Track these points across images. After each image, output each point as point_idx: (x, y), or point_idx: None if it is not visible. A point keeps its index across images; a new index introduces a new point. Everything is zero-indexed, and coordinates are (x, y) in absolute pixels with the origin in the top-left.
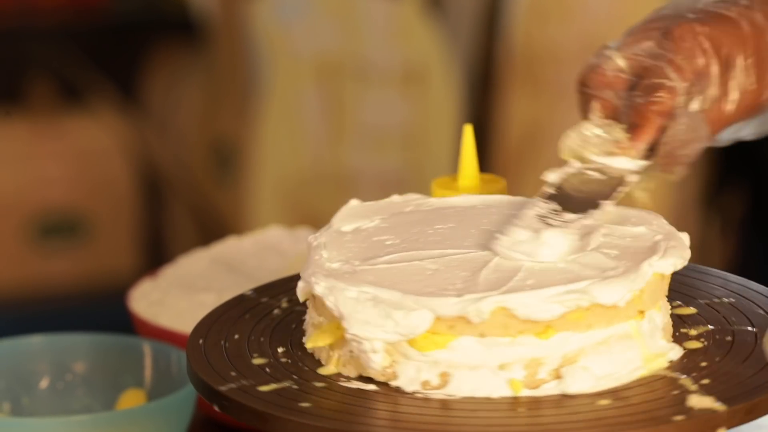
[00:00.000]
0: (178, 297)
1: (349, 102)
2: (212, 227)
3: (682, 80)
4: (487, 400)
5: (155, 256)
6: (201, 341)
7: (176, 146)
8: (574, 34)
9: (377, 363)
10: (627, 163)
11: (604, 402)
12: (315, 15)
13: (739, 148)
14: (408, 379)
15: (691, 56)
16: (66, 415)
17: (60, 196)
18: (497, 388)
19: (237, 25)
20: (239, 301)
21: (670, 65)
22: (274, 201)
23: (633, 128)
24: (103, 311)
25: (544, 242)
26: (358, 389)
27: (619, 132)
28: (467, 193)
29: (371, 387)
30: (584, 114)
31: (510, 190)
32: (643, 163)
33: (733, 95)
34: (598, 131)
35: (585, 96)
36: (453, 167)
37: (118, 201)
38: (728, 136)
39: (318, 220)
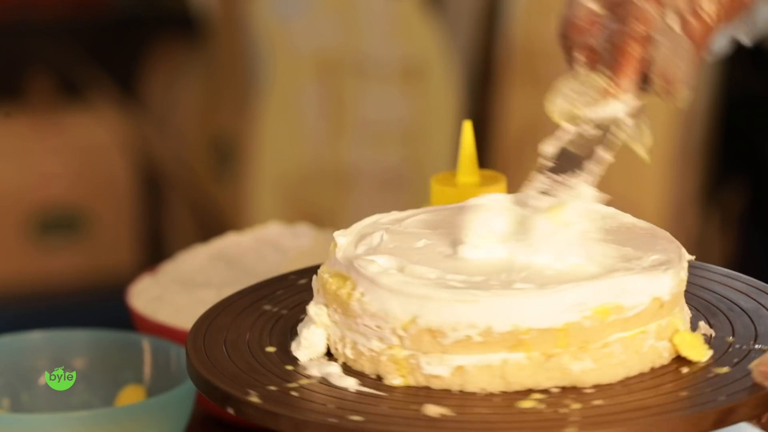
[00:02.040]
0: (177, 293)
1: (349, 98)
2: (212, 223)
3: (652, 3)
4: None
5: (155, 252)
6: (200, 337)
7: (176, 142)
8: None
9: None
10: (618, 105)
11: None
12: (314, 11)
13: (738, 144)
14: None
15: None
16: (65, 411)
17: (59, 192)
18: None
19: (237, 21)
20: (239, 296)
21: None
22: (274, 197)
23: (613, 67)
24: (103, 307)
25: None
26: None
27: (599, 79)
28: (467, 189)
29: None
30: (571, 67)
31: (510, 186)
32: (635, 101)
33: (706, 3)
34: (578, 85)
35: (567, 48)
36: (452, 163)
37: (117, 197)
38: (724, 43)
39: (317, 216)
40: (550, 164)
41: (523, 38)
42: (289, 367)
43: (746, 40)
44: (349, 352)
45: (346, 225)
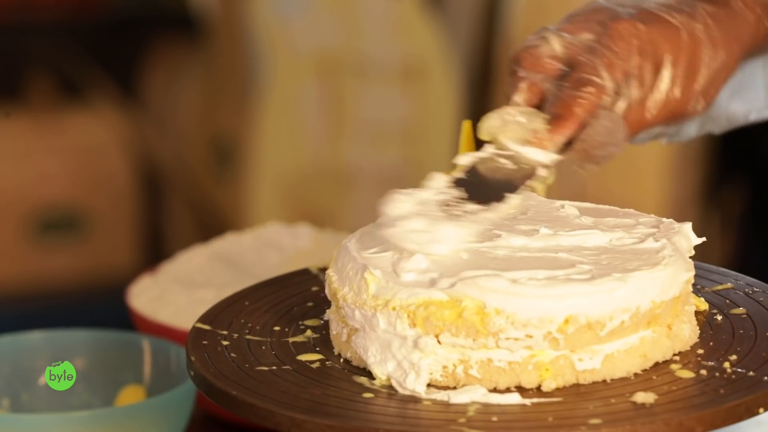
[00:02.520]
0: (177, 293)
1: (349, 98)
2: (211, 223)
3: (612, 79)
4: None
5: (154, 252)
6: (200, 337)
7: (175, 142)
8: None
9: None
10: (540, 155)
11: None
12: (314, 11)
13: (738, 144)
14: None
15: (626, 56)
16: (65, 411)
17: (59, 191)
18: None
19: (237, 21)
20: (239, 297)
21: (604, 62)
22: (274, 197)
23: (554, 119)
24: (103, 307)
25: (439, 237)
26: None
27: (539, 122)
28: None
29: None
30: (510, 93)
31: None
32: (556, 157)
33: (656, 102)
34: (520, 117)
35: (515, 75)
36: (452, 163)
37: (117, 197)
38: (645, 136)
39: (317, 216)
40: (460, 176)
41: (522, 38)
42: (438, 396)
43: (664, 142)
44: (475, 372)
45: (345, 225)
